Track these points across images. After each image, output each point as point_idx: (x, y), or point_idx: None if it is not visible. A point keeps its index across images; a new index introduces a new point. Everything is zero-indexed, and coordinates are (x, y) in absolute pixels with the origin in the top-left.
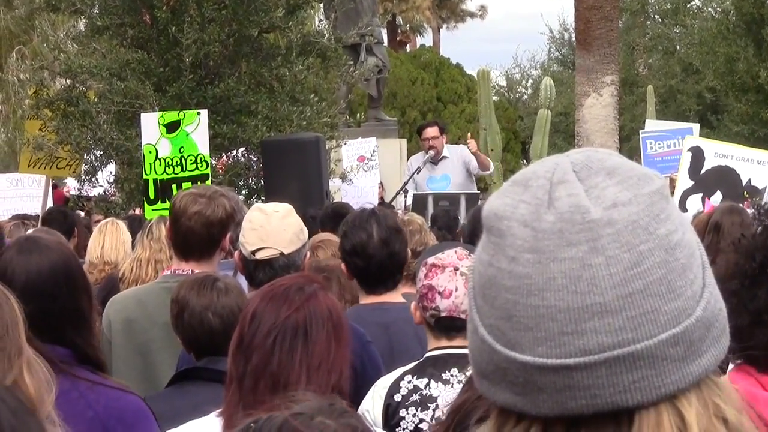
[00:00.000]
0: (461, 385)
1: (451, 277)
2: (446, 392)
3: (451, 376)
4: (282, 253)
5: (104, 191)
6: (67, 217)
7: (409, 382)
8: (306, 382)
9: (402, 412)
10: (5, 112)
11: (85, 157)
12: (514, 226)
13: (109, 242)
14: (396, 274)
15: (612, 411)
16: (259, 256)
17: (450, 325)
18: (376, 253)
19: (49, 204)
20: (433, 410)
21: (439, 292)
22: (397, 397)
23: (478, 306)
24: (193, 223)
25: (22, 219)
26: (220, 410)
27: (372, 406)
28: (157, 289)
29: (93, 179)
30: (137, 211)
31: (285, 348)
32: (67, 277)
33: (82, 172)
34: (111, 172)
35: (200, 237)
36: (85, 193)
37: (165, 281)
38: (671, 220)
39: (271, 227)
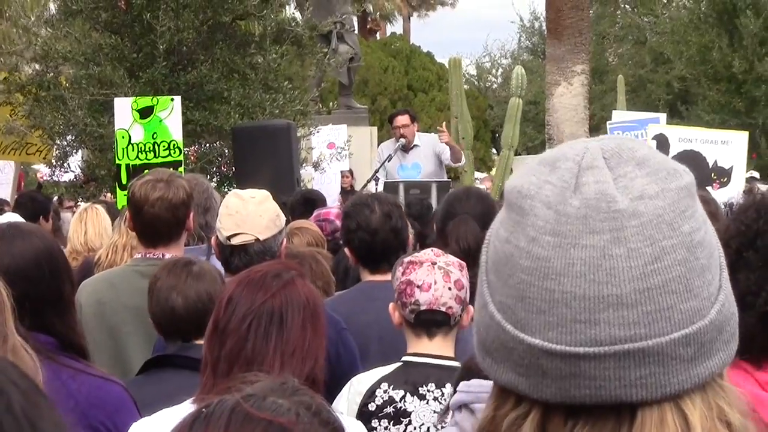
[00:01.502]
0: (437, 402)
1: (429, 271)
2: (421, 408)
3: (428, 391)
4: (257, 239)
5: (75, 177)
6: (35, 202)
7: (385, 391)
8: (280, 369)
9: (374, 422)
10: None
11: (57, 142)
12: (537, 206)
13: (92, 229)
14: (399, 251)
15: (614, 404)
16: (235, 241)
17: (430, 320)
18: (380, 227)
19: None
20: (405, 425)
21: (418, 286)
22: (372, 406)
23: (490, 281)
24: (157, 209)
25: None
26: (194, 397)
27: (346, 409)
28: (129, 272)
29: (65, 165)
30: (108, 197)
31: (260, 333)
32: (50, 262)
33: (54, 157)
34: (81, 158)
35: (167, 221)
36: (56, 179)
37: (136, 264)
38: (695, 218)
39: (247, 213)
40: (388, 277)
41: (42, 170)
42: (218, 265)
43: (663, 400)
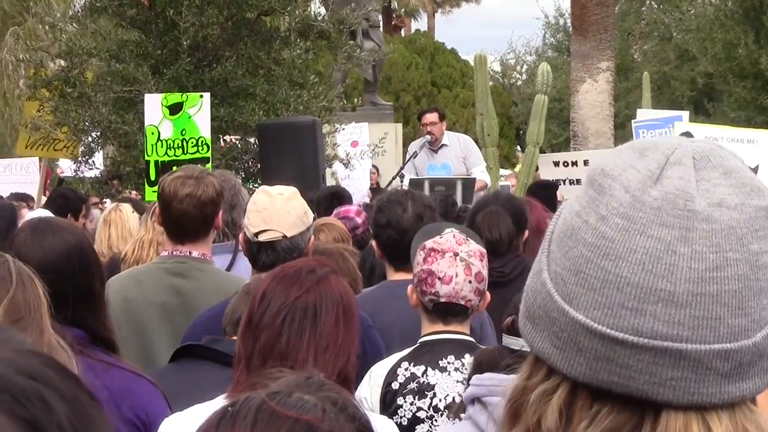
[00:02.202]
0: (458, 372)
1: (451, 262)
2: (443, 380)
3: (448, 363)
4: (285, 236)
5: (100, 173)
6: (65, 199)
7: (406, 369)
8: (313, 364)
9: (399, 400)
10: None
11: (82, 139)
12: (616, 187)
13: (115, 232)
14: None
15: (640, 400)
16: (262, 238)
17: (448, 311)
18: (410, 227)
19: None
20: (431, 398)
21: (440, 278)
22: (395, 385)
23: (551, 251)
24: (185, 206)
25: (23, 199)
26: (227, 393)
27: (369, 393)
28: (155, 270)
29: (90, 161)
30: (133, 194)
31: (294, 328)
32: (81, 257)
33: (80, 153)
34: (107, 155)
35: (194, 218)
36: (81, 175)
37: (163, 261)
38: (766, 241)
39: (275, 209)
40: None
41: (62, 166)
42: (246, 262)
43: (689, 408)
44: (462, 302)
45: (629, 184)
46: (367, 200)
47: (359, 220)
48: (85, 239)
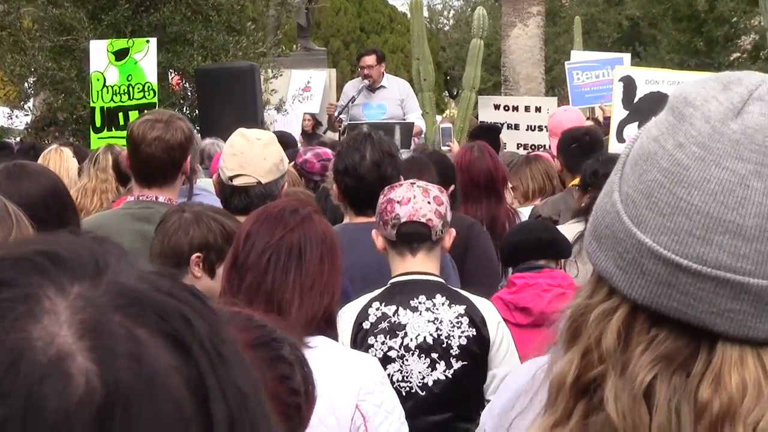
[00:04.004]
0: (429, 312)
1: (408, 188)
2: (414, 320)
3: (419, 303)
4: (259, 182)
5: (35, 118)
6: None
7: (377, 309)
8: (299, 303)
9: (371, 340)
10: None
11: (18, 84)
12: (696, 116)
13: (52, 169)
14: None
15: (697, 328)
16: (237, 182)
17: (412, 233)
18: (367, 174)
19: None
20: (402, 338)
21: (398, 202)
22: (366, 325)
23: (624, 172)
24: (153, 149)
25: None
26: None
27: (340, 333)
28: (121, 215)
29: (26, 106)
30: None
31: (279, 267)
32: (57, 201)
33: (16, 98)
34: (43, 100)
35: (162, 162)
36: (11, 125)
37: (129, 207)
38: None
39: (252, 154)
40: (372, 219)
41: None
42: (217, 203)
43: (745, 343)
44: (423, 220)
45: (710, 114)
46: (299, 147)
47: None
48: (61, 183)
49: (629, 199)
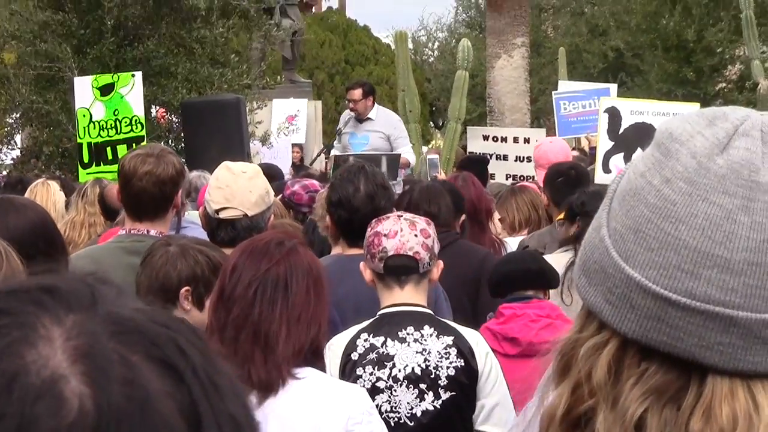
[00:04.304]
0: (417, 343)
1: (395, 221)
2: (403, 351)
3: (408, 334)
4: (246, 215)
5: (21, 152)
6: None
7: (365, 340)
8: (286, 335)
9: (359, 370)
10: None
11: (2, 120)
12: (683, 152)
13: (39, 203)
14: None
15: (687, 361)
16: (223, 215)
17: (399, 266)
18: (361, 206)
19: None
20: (390, 369)
21: (385, 235)
22: (354, 356)
23: (612, 207)
24: (144, 183)
25: None
26: None
27: (329, 364)
28: (112, 248)
29: (12, 142)
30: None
31: (266, 299)
32: (45, 235)
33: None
34: (29, 134)
35: (153, 196)
36: (1, 161)
37: (120, 241)
38: None
39: (237, 187)
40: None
41: None
42: (204, 236)
43: (734, 375)
44: (410, 253)
45: (696, 150)
46: (288, 177)
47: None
48: (49, 217)
49: (617, 234)
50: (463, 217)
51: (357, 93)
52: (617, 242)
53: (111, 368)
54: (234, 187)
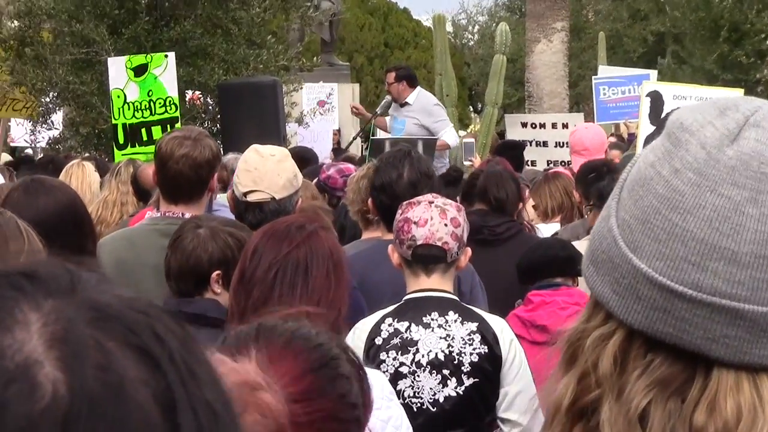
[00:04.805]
0: (441, 329)
1: (426, 208)
2: (426, 336)
3: (432, 320)
4: (273, 198)
5: (59, 134)
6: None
7: (389, 325)
8: (306, 318)
9: (383, 355)
10: None
11: (40, 99)
12: (692, 142)
13: (75, 183)
14: None
15: (692, 353)
16: (251, 198)
17: (427, 255)
18: (403, 193)
19: None
20: (413, 354)
21: (415, 222)
22: (378, 340)
23: (621, 197)
24: (181, 166)
25: None
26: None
27: (353, 347)
28: (147, 231)
29: (49, 121)
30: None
31: (286, 283)
32: (73, 217)
33: (38, 114)
34: (66, 115)
35: (189, 179)
36: (35, 144)
37: (155, 223)
38: None
39: (266, 170)
40: None
41: (13, 135)
42: (232, 218)
43: (740, 368)
44: (439, 243)
45: (706, 140)
46: (329, 161)
47: None
48: (78, 199)
49: (626, 224)
50: (520, 205)
51: (390, 77)
52: (625, 232)
53: (86, 354)
54: (262, 170)
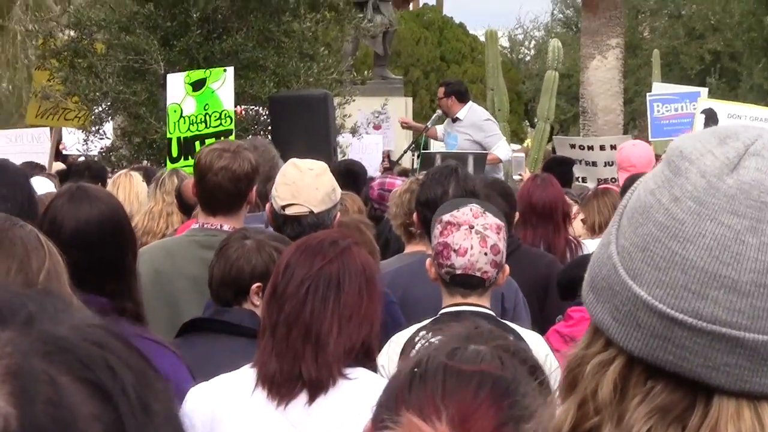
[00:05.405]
0: None
1: (466, 235)
2: None
3: None
4: (311, 212)
5: (111, 143)
6: (91, 170)
7: (423, 337)
8: (338, 333)
9: None
10: (6, 60)
11: (93, 109)
12: (692, 171)
13: (122, 194)
14: None
15: (693, 381)
16: (289, 212)
17: (465, 283)
18: None
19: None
20: None
21: (455, 250)
22: (412, 353)
23: (621, 224)
24: (219, 178)
25: (35, 168)
26: (253, 362)
27: (387, 361)
28: (186, 242)
29: (101, 131)
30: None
31: (318, 298)
32: (115, 228)
33: (89, 123)
34: (118, 125)
35: (227, 191)
36: (88, 152)
37: (194, 234)
38: None
39: (304, 184)
40: None
41: (65, 143)
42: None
43: (741, 396)
44: (478, 274)
45: (706, 169)
46: (377, 175)
47: None
48: (121, 210)
49: (625, 251)
50: (517, 216)
51: (440, 91)
52: (625, 260)
53: (38, 389)
54: (300, 184)
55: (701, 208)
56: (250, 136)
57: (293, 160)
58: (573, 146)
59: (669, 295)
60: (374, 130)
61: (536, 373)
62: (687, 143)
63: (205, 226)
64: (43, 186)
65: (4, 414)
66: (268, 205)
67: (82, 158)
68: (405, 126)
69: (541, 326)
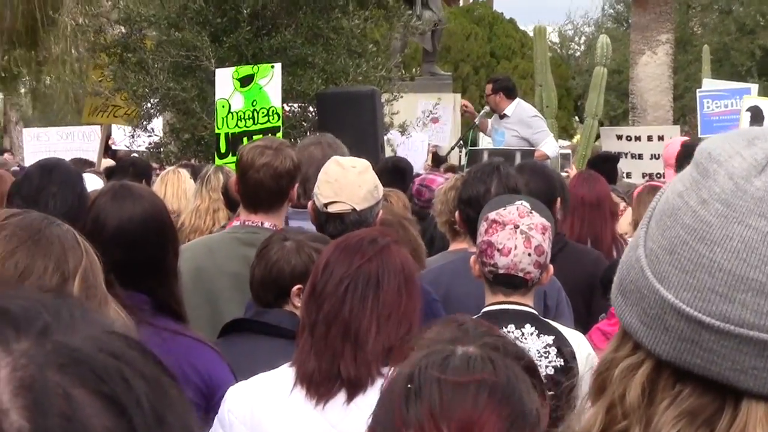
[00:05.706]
0: (517, 341)
1: (510, 234)
2: None
3: (508, 332)
4: (354, 209)
5: (159, 140)
6: (136, 167)
7: None
8: (376, 332)
9: None
10: (56, 54)
11: (141, 105)
12: (720, 173)
13: (170, 191)
14: None
15: (721, 384)
16: (332, 209)
17: (508, 282)
18: None
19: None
20: None
21: (498, 249)
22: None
23: (649, 227)
24: (261, 175)
25: (85, 165)
26: (291, 361)
27: None
28: (227, 239)
29: (149, 128)
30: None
31: (357, 297)
32: (158, 227)
33: (139, 118)
34: (167, 122)
35: (269, 189)
36: (136, 148)
37: (235, 231)
38: None
39: (347, 182)
40: None
41: (114, 138)
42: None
43: None
44: (521, 274)
45: (734, 171)
46: (422, 173)
47: None
48: (164, 209)
49: (653, 254)
50: (558, 201)
51: (488, 88)
52: (653, 263)
53: (52, 403)
54: (343, 182)
55: (729, 211)
56: (297, 133)
57: (336, 158)
58: (620, 137)
59: (696, 298)
60: (432, 123)
61: (526, 364)
62: (715, 145)
63: (247, 223)
64: (92, 183)
65: (18, 428)
66: (310, 203)
67: (133, 154)
68: (464, 110)
69: (587, 324)
